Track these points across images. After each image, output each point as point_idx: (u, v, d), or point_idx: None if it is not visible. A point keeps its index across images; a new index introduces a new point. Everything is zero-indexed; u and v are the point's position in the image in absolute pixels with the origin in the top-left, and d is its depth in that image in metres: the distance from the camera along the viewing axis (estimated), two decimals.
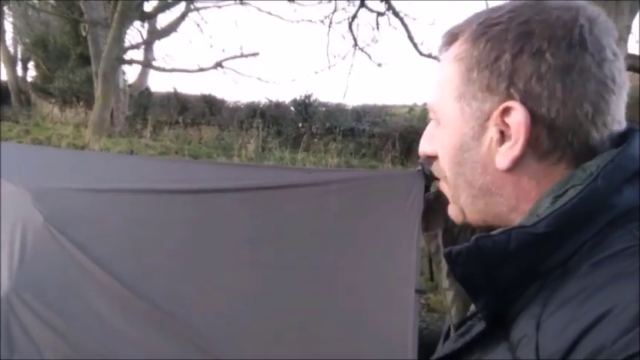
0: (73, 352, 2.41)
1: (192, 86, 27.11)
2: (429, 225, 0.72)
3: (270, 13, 11.33)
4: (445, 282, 0.68)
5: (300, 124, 11.60)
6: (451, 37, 0.59)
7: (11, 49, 14.56)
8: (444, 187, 0.63)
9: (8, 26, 14.65)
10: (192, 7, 11.99)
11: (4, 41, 14.08)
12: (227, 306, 2.62)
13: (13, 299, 2.47)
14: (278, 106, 12.27)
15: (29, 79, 14.64)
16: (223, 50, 11.41)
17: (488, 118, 0.55)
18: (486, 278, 0.50)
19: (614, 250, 0.46)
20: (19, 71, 14.64)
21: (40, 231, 2.63)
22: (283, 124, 11.64)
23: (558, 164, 0.53)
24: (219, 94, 12.86)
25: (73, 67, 12.70)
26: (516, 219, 0.54)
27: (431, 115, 0.63)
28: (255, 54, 10.91)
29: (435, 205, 0.71)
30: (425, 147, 0.64)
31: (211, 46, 20.58)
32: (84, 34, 11.20)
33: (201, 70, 10.76)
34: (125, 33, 10.80)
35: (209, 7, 11.97)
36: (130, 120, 11.31)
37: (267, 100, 12.18)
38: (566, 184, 0.51)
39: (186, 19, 12.26)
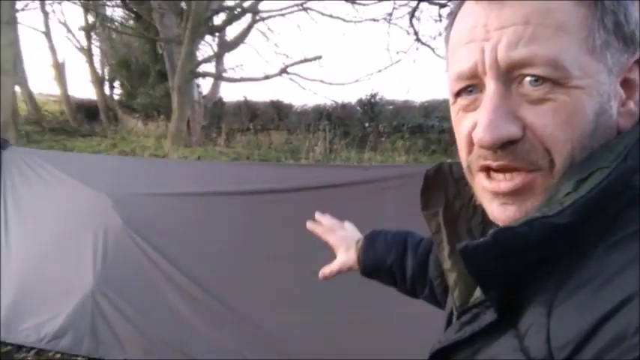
0: (151, 345, 2.60)
1: (262, 93, 27.92)
2: (428, 203, 0.66)
3: (331, 16, 11.40)
4: (447, 262, 0.63)
5: (367, 124, 11.54)
6: None
7: (99, 71, 15.91)
8: (533, 179, 0.49)
9: (95, 50, 16.06)
10: (257, 17, 12.38)
11: (93, 64, 15.43)
12: (292, 305, 2.69)
13: (98, 296, 2.72)
14: (344, 107, 12.31)
15: (115, 97, 15.90)
16: (287, 56, 11.60)
17: (621, 73, 0.49)
18: (502, 271, 0.46)
19: (629, 231, 0.43)
20: (107, 90, 15.94)
21: (119, 234, 2.87)
22: (350, 124, 11.65)
23: None
24: (286, 99, 13.21)
25: (153, 83, 13.59)
26: None
27: (545, 72, 0.46)
28: (318, 57, 11.03)
29: (434, 182, 0.66)
30: (504, 129, 0.47)
31: (276, 52, 21.06)
32: (160, 52, 11.99)
33: (267, 77, 11.07)
34: (197, 48, 11.39)
35: (274, 17, 12.24)
36: (206, 129, 11.87)
37: (333, 102, 12.28)
38: (590, 165, 0.46)
39: (253, 29, 12.68)
